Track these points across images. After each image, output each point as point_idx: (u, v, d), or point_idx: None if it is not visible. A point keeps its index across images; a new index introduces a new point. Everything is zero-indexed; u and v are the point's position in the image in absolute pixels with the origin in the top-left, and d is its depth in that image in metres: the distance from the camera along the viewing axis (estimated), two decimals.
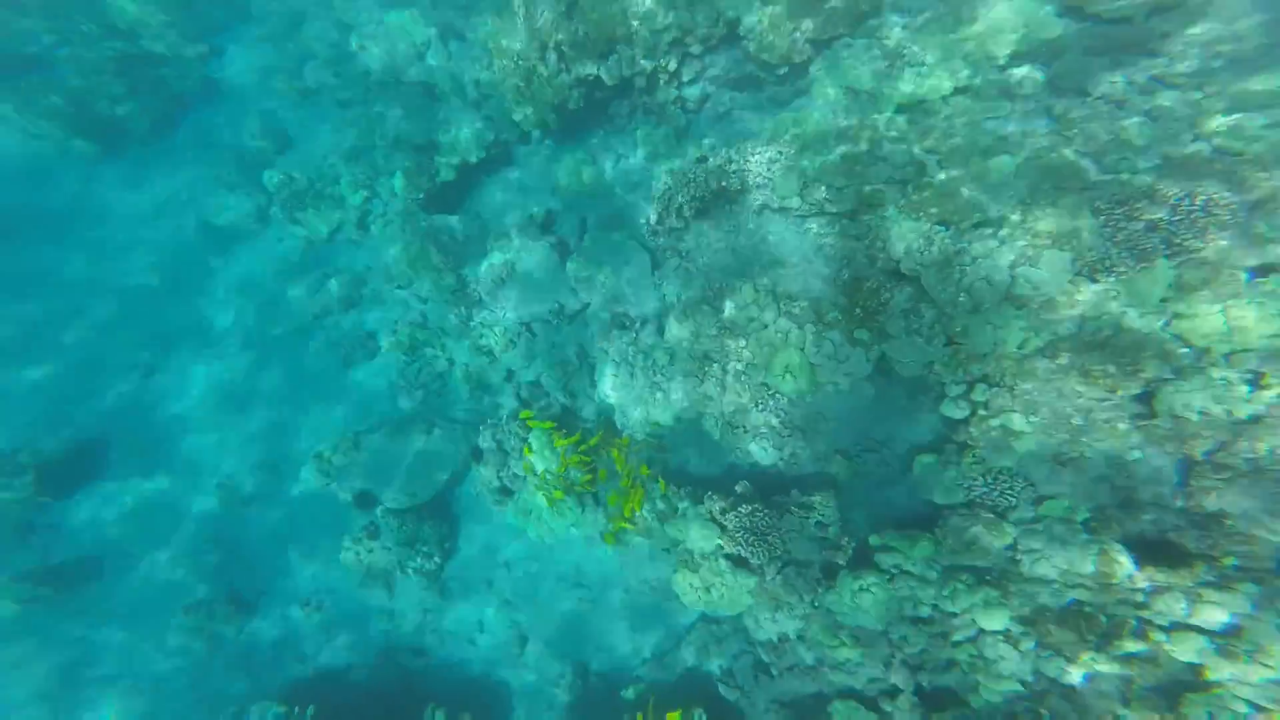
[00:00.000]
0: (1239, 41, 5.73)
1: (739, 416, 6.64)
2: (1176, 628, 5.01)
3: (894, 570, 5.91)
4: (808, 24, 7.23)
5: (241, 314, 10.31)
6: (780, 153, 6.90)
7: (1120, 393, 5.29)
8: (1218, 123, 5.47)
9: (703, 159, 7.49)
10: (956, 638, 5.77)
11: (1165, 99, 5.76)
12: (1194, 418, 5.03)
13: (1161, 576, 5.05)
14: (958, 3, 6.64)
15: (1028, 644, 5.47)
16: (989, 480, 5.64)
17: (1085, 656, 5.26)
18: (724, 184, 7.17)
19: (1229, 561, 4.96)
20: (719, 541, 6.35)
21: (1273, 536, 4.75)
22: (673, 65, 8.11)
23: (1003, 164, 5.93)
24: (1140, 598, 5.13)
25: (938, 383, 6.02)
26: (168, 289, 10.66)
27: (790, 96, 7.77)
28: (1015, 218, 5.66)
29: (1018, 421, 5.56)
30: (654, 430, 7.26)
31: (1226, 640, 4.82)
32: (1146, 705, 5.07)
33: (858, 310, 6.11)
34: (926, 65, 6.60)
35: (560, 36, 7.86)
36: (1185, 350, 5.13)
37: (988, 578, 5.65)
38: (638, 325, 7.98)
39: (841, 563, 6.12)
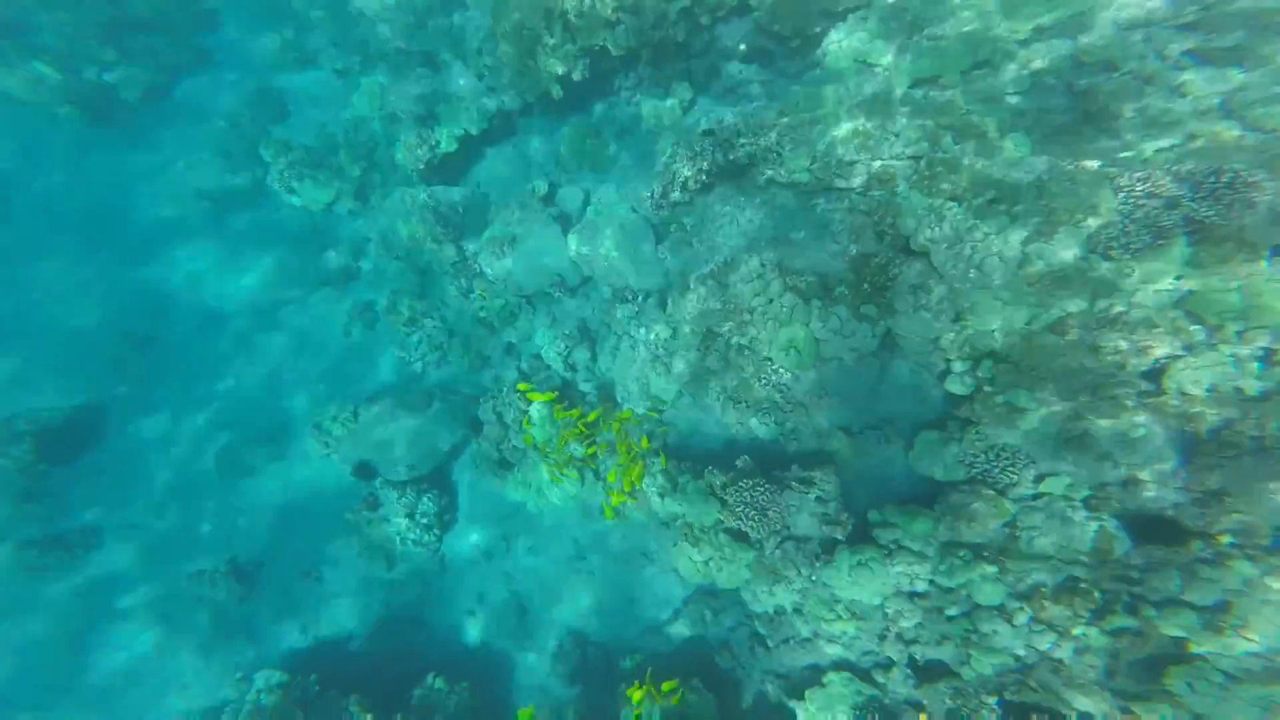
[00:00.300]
0: None
1: (742, 391, 6.62)
2: (1168, 604, 5.08)
3: (892, 545, 5.95)
4: None
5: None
6: (790, 126, 6.78)
7: (1129, 369, 5.29)
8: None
9: (709, 132, 7.37)
10: (951, 612, 5.84)
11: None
12: (1202, 394, 5.05)
13: (1158, 554, 5.11)
14: None
15: (1022, 618, 5.54)
16: (991, 457, 5.66)
17: (1077, 631, 5.34)
18: (731, 157, 7.07)
19: (1225, 540, 5.01)
20: (719, 515, 6.37)
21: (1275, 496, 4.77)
22: (681, 36, 7.94)
23: (1018, 140, 5.85)
24: (1135, 574, 5.20)
25: (943, 359, 6.01)
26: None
27: (801, 70, 7.63)
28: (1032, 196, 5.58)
29: (1022, 398, 5.57)
30: (655, 404, 7.24)
31: (1214, 614, 4.89)
32: (1130, 677, 5.16)
33: (865, 285, 6.07)
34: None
35: (567, 5, 7.67)
36: (1197, 327, 5.13)
37: (984, 553, 5.70)
38: (640, 299, 7.92)
39: (840, 538, 6.16)
